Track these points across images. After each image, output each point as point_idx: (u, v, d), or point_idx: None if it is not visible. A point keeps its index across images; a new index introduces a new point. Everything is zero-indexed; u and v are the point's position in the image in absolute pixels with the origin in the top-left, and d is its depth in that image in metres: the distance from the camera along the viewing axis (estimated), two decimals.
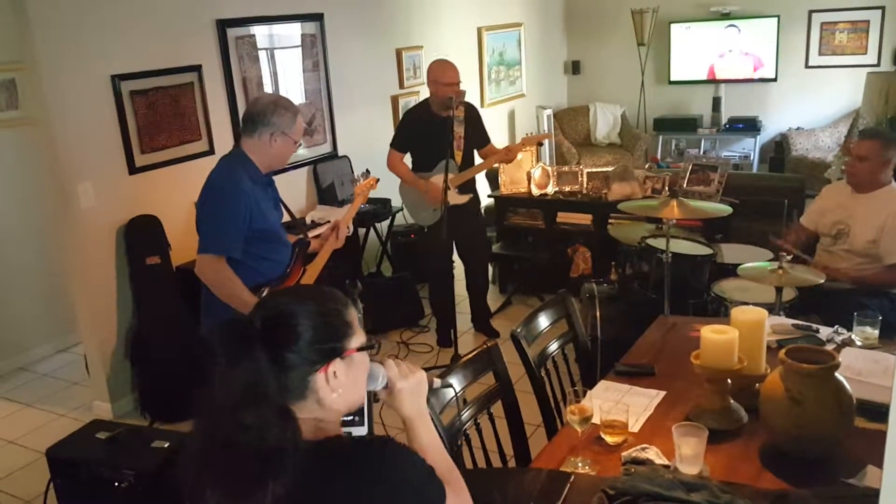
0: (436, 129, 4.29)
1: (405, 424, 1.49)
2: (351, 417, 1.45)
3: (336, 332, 1.33)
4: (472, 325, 4.93)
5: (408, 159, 4.55)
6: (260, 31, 4.82)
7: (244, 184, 2.70)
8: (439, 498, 1.33)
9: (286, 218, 3.06)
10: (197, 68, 4.39)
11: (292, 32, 5.09)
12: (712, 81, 8.15)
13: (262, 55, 4.86)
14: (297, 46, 5.13)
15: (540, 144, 4.75)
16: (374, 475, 1.25)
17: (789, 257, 2.97)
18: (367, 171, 3.65)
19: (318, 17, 5.23)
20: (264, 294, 2.79)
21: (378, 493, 1.24)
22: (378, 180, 3.48)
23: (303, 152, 5.18)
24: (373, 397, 1.51)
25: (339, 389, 1.31)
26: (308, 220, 4.83)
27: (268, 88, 4.90)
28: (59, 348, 5.05)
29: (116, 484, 2.72)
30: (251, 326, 1.27)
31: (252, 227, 2.71)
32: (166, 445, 2.84)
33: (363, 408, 1.47)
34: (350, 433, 1.42)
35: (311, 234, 3.16)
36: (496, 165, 4.90)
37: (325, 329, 1.31)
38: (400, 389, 1.45)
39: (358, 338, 1.36)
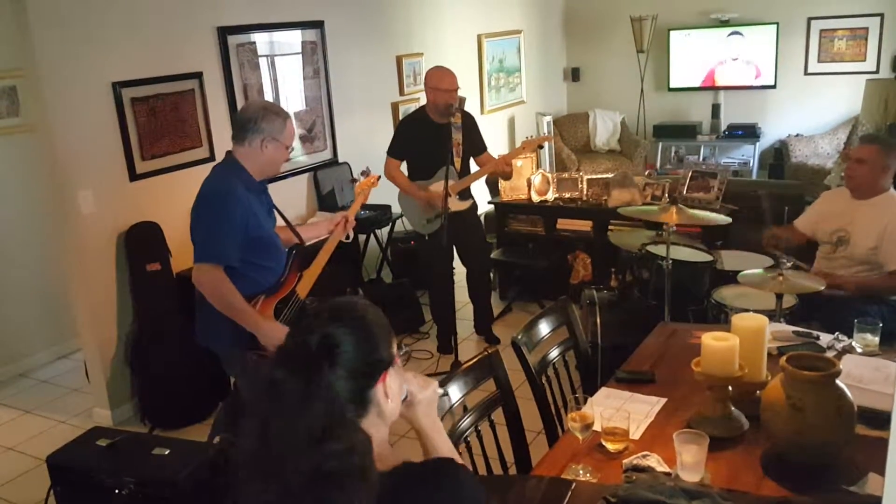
0: (433, 136, 4.29)
1: (421, 437, 1.50)
2: None
3: (384, 341, 1.35)
4: (474, 328, 4.93)
5: (404, 167, 4.55)
6: (260, 39, 4.84)
7: (239, 191, 2.69)
8: None
9: (280, 222, 3.05)
10: (198, 75, 4.40)
11: (293, 40, 5.10)
12: (711, 88, 8.17)
13: (263, 62, 4.88)
14: (298, 53, 5.14)
15: (540, 147, 4.75)
16: (450, 496, 1.29)
17: (789, 264, 2.98)
18: (368, 168, 3.64)
19: (318, 25, 5.24)
20: (257, 302, 2.77)
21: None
22: (379, 178, 3.49)
23: (303, 159, 5.19)
24: None
25: (393, 397, 1.35)
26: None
27: (268, 95, 4.91)
28: (59, 355, 5.05)
29: (117, 491, 2.71)
30: (311, 351, 1.26)
31: (248, 234, 2.70)
32: (167, 453, 2.83)
33: None
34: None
35: (306, 233, 3.14)
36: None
37: (377, 340, 1.33)
38: (419, 401, 1.47)
39: (395, 342, 1.40)
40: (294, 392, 1.20)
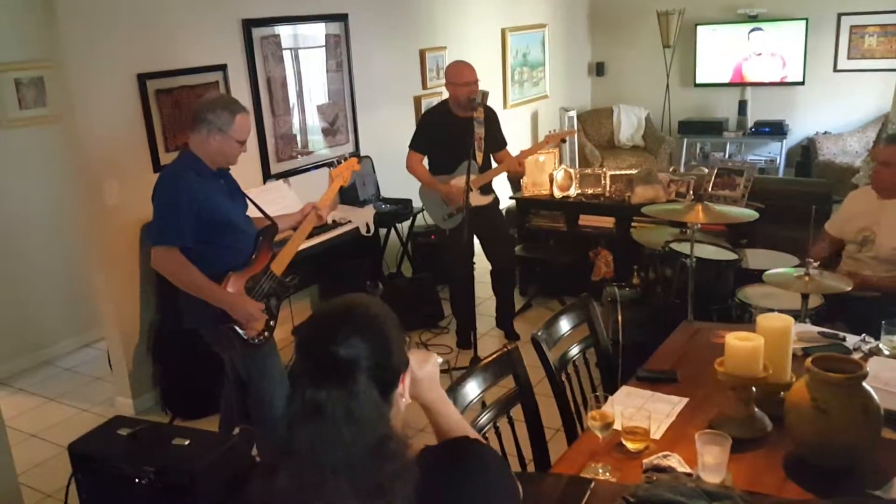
0: (456, 131, 4.28)
1: (429, 412, 1.48)
2: None
3: (400, 343, 1.31)
4: (496, 322, 4.92)
5: (426, 161, 4.54)
6: (285, 31, 4.85)
7: (188, 177, 2.83)
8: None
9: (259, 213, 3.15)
10: (222, 67, 4.41)
11: (317, 33, 5.10)
12: (738, 84, 8.08)
13: (287, 55, 4.88)
14: (322, 46, 5.14)
15: (563, 141, 4.72)
16: (477, 468, 1.32)
17: (816, 264, 2.93)
18: (347, 155, 3.65)
19: (342, 18, 5.24)
20: (227, 279, 2.87)
21: (481, 481, 1.31)
22: (359, 160, 3.49)
23: (325, 152, 5.20)
24: None
25: (406, 394, 1.34)
26: (329, 220, 4.82)
27: (292, 88, 4.92)
28: (83, 343, 5.11)
29: (137, 480, 2.73)
30: (340, 360, 1.21)
31: (202, 216, 2.82)
32: (186, 443, 2.85)
33: None
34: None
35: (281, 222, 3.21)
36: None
37: (395, 345, 1.29)
38: (420, 379, 1.44)
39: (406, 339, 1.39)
40: (339, 405, 1.17)
